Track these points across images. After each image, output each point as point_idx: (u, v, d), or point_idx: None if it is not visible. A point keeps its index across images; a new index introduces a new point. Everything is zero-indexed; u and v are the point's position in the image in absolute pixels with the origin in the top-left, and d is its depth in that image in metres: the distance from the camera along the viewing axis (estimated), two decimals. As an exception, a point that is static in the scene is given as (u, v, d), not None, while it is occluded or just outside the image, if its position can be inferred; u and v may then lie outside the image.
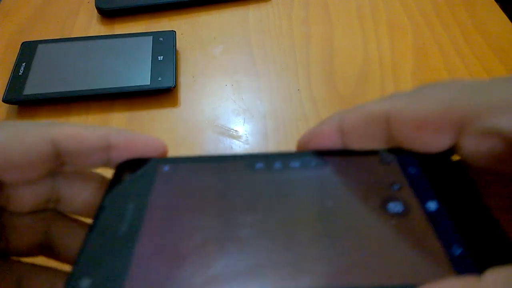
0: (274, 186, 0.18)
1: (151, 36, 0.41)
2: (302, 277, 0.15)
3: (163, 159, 0.19)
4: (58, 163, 0.18)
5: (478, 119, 0.15)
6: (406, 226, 0.16)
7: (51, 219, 0.19)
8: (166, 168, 0.19)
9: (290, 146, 0.34)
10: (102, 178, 0.20)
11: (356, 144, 0.18)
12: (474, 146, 0.15)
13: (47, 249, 0.19)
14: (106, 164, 0.18)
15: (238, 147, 0.35)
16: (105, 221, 0.17)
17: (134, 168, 0.19)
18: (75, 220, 0.20)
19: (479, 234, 0.16)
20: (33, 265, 0.19)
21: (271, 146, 0.35)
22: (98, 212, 0.17)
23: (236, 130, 0.36)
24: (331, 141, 0.18)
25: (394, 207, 0.17)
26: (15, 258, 0.19)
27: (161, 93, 0.38)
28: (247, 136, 0.35)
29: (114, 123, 0.36)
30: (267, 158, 0.19)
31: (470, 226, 0.16)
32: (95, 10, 0.44)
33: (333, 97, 0.38)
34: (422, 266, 0.15)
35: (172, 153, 0.21)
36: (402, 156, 0.19)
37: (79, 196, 0.19)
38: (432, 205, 0.17)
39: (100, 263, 0.15)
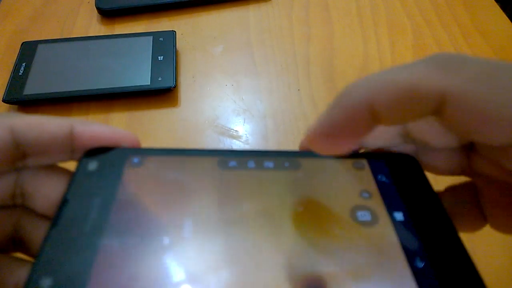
0: (244, 185, 0.17)
1: (151, 36, 0.41)
2: (260, 280, 0.14)
3: (131, 150, 0.18)
4: (19, 154, 0.17)
5: None
6: (372, 235, 0.16)
7: (20, 214, 0.19)
8: (134, 159, 0.18)
9: (290, 146, 0.34)
10: (70, 173, 0.19)
11: (392, 122, 0.14)
12: None
13: (19, 244, 0.19)
14: (71, 157, 0.18)
15: (238, 147, 0.35)
16: (68, 216, 0.16)
17: (99, 158, 0.18)
18: (45, 216, 0.19)
19: (442, 247, 0.15)
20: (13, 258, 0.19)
21: (271, 146, 0.35)
22: (60, 207, 0.16)
23: (236, 130, 0.36)
24: (361, 126, 0.15)
25: (362, 216, 0.16)
26: None
27: (161, 93, 0.38)
28: (247, 136, 0.35)
29: (114, 123, 0.36)
30: (240, 155, 0.18)
31: (434, 238, 0.16)
32: (95, 10, 0.44)
33: (334, 97, 0.38)
34: (384, 276, 0.15)
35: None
36: (374, 161, 0.19)
37: (45, 191, 0.18)
38: (398, 216, 0.16)
39: (61, 262, 0.14)
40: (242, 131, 0.36)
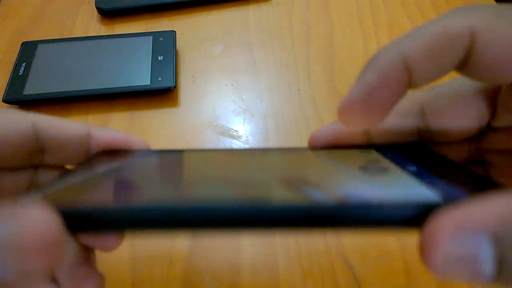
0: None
1: (151, 36, 0.41)
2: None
3: (140, 151, 0.19)
4: (38, 149, 0.18)
5: None
6: (388, 175, 0.15)
7: (36, 169, 0.19)
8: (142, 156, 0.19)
9: (291, 145, 0.34)
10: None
11: (426, 75, 0.15)
12: None
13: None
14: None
15: (238, 147, 0.35)
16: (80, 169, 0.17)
17: (110, 157, 0.19)
18: (61, 167, 0.20)
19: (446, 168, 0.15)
20: None
21: (272, 146, 0.35)
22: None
23: (236, 130, 0.36)
24: (398, 84, 0.15)
25: (374, 169, 0.16)
26: None
27: (161, 93, 0.37)
28: (247, 136, 0.35)
29: (114, 123, 0.36)
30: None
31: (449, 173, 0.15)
32: (95, 10, 0.44)
33: (334, 97, 0.38)
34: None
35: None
36: (382, 148, 0.19)
37: (61, 153, 0.19)
38: (413, 168, 0.16)
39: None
40: (242, 131, 0.36)
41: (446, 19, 0.14)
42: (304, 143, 0.35)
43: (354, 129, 0.18)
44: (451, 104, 0.17)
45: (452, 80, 0.18)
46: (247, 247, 0.29)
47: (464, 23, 0.14)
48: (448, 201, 0.12)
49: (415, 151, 0.19)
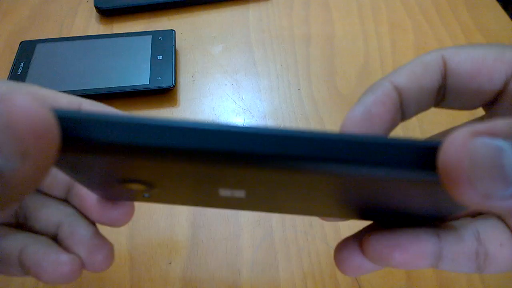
0: None
1: (150, 36, 0.40)
2: None
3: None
4: None
5: None
6: None
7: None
8: None
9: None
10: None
11: (414, 100, 0.17)
12: None
13: (23, 220, 0.19)
14: None
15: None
16: None
17: None
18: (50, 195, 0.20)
19: None
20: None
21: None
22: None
23: (236, 130, 0.36)
24: (392, 105, 0.17)
25: None
26: None
27: (161, 93, 0.37)
28: (247, 136, 0.35)
29: (113, 123, 0.36)
30: None
31: None
32: (94, 9, 0.44)
33: (334, 96, 0.37)
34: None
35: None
36: None
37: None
38: None
39: None
40: (242, 131, 0.35)
41: (422, 56, 0.18)
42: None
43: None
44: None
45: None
46: (247, 247, 0.29)
47: (435, 54, 0.17)
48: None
49: None
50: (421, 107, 0.18)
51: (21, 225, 0.20)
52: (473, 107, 0.18)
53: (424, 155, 0.11)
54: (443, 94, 0.18)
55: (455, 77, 0.17)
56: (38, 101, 0.10)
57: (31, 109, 0.10)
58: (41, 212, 0.19)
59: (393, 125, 0.17)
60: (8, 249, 0.18)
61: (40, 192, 0.20)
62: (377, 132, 0.17)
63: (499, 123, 0.10)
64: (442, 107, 0.19)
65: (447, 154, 0.10)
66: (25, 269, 0.17)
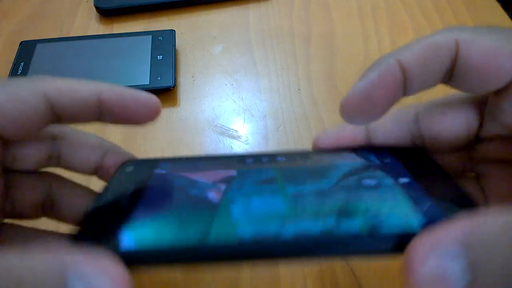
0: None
1: (150, 36, 0.40)
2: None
3: (159, 161, 0.20)
4: (54, 117, 0.18)
5: None
6: (380, 191, 0.17)
7: (53, 179, 0.20)
8: (162, 170, 0.20)
9: (291, 146, 0.34)
10: (99, 138, 0.21)
11: (418, 80, 0.17)
12: None
13: (49, 209, 0.21)
14: (99, 119, 0.19)
15: (238, 147, 0.35)
16: (108, 194, 0.18)
17: (132, 170, 0.20)
18: (74, 182, 0.21)
19: (441, 192, 0.17)
20: (40, 230, 0.21)
21: (271, 146, 0.35)
22: (104, 190, 0.18)
23: (236, 130, 0.36)
24: (395, 83, 0.17)
25: (369, 182, 0.18)
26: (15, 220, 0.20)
27: (161, 93, 0.37)
28: (247, 136, 0.35)
29: (113, 123, 0.36)
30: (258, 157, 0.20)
31: (437, 189, 0.17)
32: (94, 9, 0.44)
33: (334, 96, 0.37)
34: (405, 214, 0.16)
35: (171, 153, 0.21)
36: (379, 152, 0.20)
37: (77, 154, 0.20)
38: (404, 179, 0.18)
39: (105, 217, 0.16)
40: (242, 131, 0.35)
41: (435, 35, 0.17)
42: (305, 143, 0.35)
43: (355, 125, 0.19)
44: (441, 112, 0.19)
45: (445, 95, 0.20)
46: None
47: (450, 36, 0.16)
48: (428, 225, 0.14)
49: (412, 156, 0.19)
50: (425, 86, 0.18)
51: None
52: (479, 93, 0.18)
53: (396, 244, 0.14)
54: (450, 76, 0.17)
55: (464, 65, 0.16)
56: (121, 267, 0.13)
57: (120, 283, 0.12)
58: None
59: (394, 103, 0.18)
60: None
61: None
62: (378, 110, 0.17)
63: (460, 232, 0.12)
64: (448, 85, 0.18)
65: (409, 258, 0.13)
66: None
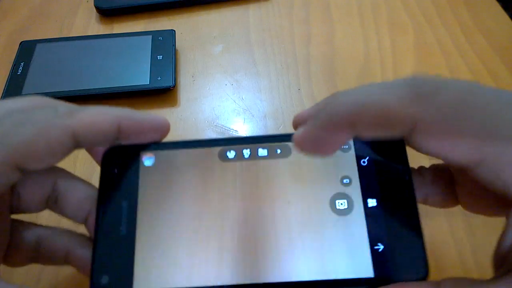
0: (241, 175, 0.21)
1: (150, 35, 0.40)
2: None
3: (144, 146, 0.22)
4: (74, 148, 0.20)
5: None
6: (344, 224, 0.19)
7: (58, 174, 0.22)
8: (149, 158, 0.21)
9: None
10: (90, 186, 0.22)
11: (368, 137, 0.18)
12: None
13: (53, 203, 0.21)
14: (113, 143, 0.21)
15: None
16: (106, 221, 0.20)
17: (119, 158, 0.21)
18: (78, 177, 0.22)
19: (402, 232, 0.19)
20: (50, 228, 0.22)
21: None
22: (98, 213, 0.20)
23: (236, 130, 0.36)
24: (343, 135, 0.18)
25: (340, 204, 0.20)
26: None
27: (161, 93, 0.37)
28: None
29: (113, 123, 0.36)
30: (238, 143, 0.22)
31: (398, 224, 0.19)
32: (94, 9, 0.44)
33: (334, 96, 0.37)
34: (346, 262, 0.18)
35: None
36: (360, 143, 0.21)
37: (70, 204, 0.22)
38: (372, 202, 0.19)
39: (111, 261, 0.18)
40: (242, 131, 0.35)
41: (395, 97, 0.17)
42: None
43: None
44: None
45: None
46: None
47: (408, 111, 0.17)
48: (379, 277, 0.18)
49: (391, 151, 0.21)
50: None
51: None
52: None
53: None
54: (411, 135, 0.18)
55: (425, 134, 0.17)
56: None
57: None
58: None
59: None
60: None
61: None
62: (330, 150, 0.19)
63: None
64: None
65: None
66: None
